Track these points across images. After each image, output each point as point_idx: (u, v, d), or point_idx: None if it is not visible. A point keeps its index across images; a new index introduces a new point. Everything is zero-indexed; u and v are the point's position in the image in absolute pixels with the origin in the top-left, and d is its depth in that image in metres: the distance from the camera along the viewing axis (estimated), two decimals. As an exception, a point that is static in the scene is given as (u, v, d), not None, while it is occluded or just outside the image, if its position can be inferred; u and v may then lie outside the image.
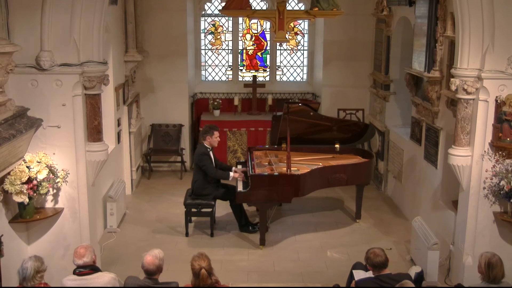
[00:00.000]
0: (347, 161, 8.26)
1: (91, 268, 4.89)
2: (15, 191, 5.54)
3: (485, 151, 6.04)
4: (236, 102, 11.16)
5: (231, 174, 7.90)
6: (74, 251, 4.95)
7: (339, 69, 10.81)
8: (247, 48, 11.66)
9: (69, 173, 6.00)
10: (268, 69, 11.71)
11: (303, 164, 8.08)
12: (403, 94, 9.12)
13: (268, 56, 11.70)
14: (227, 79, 11.73)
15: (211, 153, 7.95)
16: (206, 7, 11.44)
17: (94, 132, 6.17)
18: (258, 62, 11.72)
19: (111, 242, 7.75)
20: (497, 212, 6.14)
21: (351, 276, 5.62)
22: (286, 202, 7.89)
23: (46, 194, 5.90)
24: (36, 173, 5.68)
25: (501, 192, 5.95)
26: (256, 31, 11.64)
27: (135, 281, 4.79)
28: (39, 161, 5.76)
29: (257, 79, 11.30)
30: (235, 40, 11.57)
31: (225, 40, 11.63)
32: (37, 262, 4.60)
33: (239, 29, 11.54)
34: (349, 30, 10.57)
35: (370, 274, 5.19)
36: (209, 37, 11.61)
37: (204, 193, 7.90)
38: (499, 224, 6.18)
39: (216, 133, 7.91)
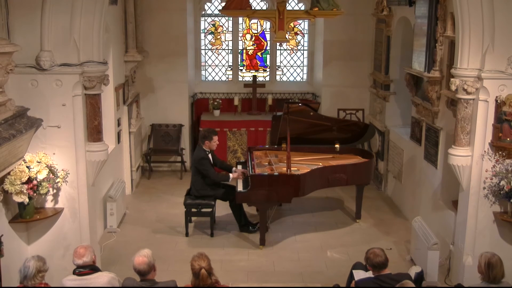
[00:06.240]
0: (347, 161, 8.26)
1: (91, 268, 4.89)
2: (15, 191, 5.54)
3: (485, 151, 6.04)
4: (236, 102, 11.16)
5: (231, 176, 7.93)
6: (74, 251, 4.95)
7: (339, 69, 10.81)
8: (247, 48, 11.66)
9: (69, 173, 6.00)
10: (268, 69, 11.71)
11: (303, 164, 8.08)
12: (403, 94, 9.12)
13: (268, 56, 11.70)
14: (227, 79, 11.73)
15: (210, 155, 7.97)
16: (206, 7, 11.44)
17: (94, 132, 6.17)
18: (258, 62, 11.72)
19: (111, 242, 7.75)
20: (497, 212, 6.14)
21: (351, 276, 5.62)
22: (286, 202, 7.88)
23: (46, 194, 5.90)
24: (36, 173, 5.68)
25: (501, 192, 5.95)
26: (256, 31, 11.64)
27: (132, 283, 4.78)
28: (39, 161, 5.76)
29: (257, 79, 11.30)
30: (235, 40, 11.57)
31: (225, 40, 11.63)
32: (39, 262, 4.62)
33: (239, 29, 11.54)
34: (349, 30, 10.57)
35: (370, 274, 5.19)
36: (209, 37, 11.61)
37: (204, 194, 7.90)
38: (499, 224, 6.18)
39: (215, 138, 7.94)
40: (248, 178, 7.72)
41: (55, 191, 6.06)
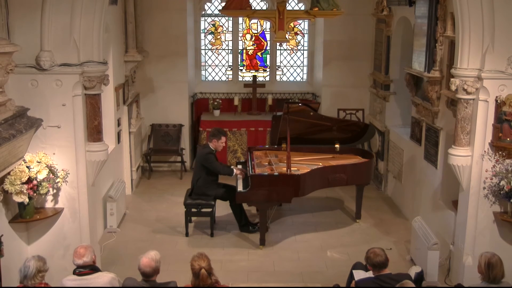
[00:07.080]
0: (347, 161, 8.26)
1: (91, 268, 4.89)
2: (15, 191, 5.54)
3: (485, 151, 6.04)
4: (236, 102, 11.16)
5: (235, 170, 8.02)
6: (74, 251, 4.95)
7: (339, 69, 10.81)
8: (247, 48, 11.66)
9: (69, 173, 6.00)
10: (268, 69, 11.72)
11: (303, 164, 8.08)
12: (403, 94, 9.12)
13: (268, 56, 11.70)
14: (227, 79, 11.74)
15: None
16: (206, 7, 11.45)
17: (94, 132, 6.17)
18: (258, 62, 11.72)
19: (111, 242, 7.75)
20: (497, 212, 6.14)
21: (351, 276, 5.62)
22: (286, 202, 7.88)
23: (46, 194, 5.90)
24: (36, 173, 5.68)
25: (501, 192, 5.95)
26: (256, 31, 11.64)
27: (133, 283, 4.78)
28: (39, 161, 5.76)
29: (257, 79, 11.30)
30: (235, 40, 11.57)
31: (225, 40, 11.63)
32: (40, 262, 4.62)
33: (239, 29, 11.54)
34: (349, 30, 10.57)
35: (370, 274, 5.19)
36: (209, 37, 11.61)
37: (206, 192, 7.91)
38: (499, 224, 6.18)
39: (223, 139, 8.02)
40: (248, 178, 7.73)
41: (55, 191, 6.06)
